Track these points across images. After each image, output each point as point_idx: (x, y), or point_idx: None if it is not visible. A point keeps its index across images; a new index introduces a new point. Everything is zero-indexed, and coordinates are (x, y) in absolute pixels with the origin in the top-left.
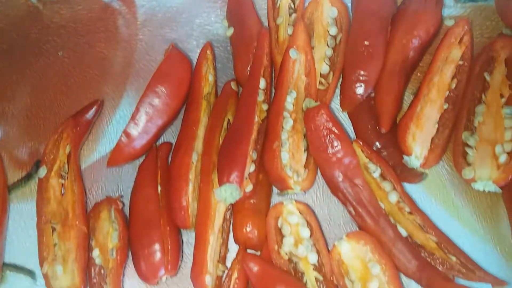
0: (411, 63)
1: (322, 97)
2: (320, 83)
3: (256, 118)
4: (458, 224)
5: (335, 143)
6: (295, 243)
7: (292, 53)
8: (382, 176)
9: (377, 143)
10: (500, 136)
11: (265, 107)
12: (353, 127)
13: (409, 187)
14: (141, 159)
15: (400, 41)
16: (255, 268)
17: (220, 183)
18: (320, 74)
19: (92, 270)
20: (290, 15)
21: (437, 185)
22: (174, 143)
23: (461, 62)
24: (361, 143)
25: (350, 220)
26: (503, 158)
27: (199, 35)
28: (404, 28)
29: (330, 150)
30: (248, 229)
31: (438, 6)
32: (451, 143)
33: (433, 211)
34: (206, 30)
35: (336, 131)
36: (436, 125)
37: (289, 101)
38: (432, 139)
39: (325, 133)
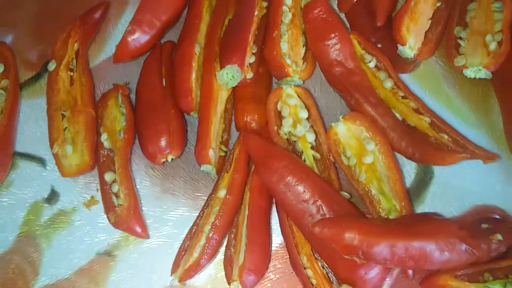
0: None
1: None
2: None
3: (257, 12)
4: (451, 114)
5: (332, 33)
6: (294, 123)
7: None
8: (377, 66)
9: (373, 39)
10: (490, 27)
11: (265, 4)
12: (349, 26)
13: (404, 81)
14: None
15: None
16: (255, 144)
17: (222, 66)
18: None
19: (101, 152)
20: None
21: (430, 79)
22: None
23: None
24: (358, 35)
25: (347, 111)
26: (493, 46)
27: None
28: None
29: (327, 40)
30: (249, 115)
31: None
32: (444, 38)
33: (427, 103)
34: None
35: (333, 21)
36: (430, 21)
37: None
38: (426, 33)
39: (322, 24)
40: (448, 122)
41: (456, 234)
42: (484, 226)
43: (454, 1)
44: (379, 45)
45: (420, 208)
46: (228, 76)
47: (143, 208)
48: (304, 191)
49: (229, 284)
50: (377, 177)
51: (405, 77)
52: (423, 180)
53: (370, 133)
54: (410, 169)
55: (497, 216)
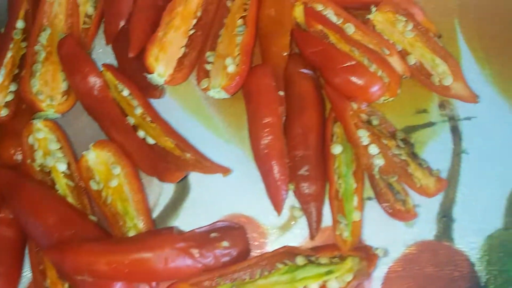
0: None
1: (87, 34)
2: (85, 22)
3: (10, 53)
4: (210, 132)
5: (82, 67)
6: (44, 155)
7: None
8: (132, 94)
9: (134, 67)
10: (231, 51)
11: (24, 44)
12: (115, 56)
13: (167, 105)
14: None
15: None
16: (4, 176)
17: None
18: (86, 14)
19: None
20: None
21: (192, 100)
22: None
23: None
24: (108, 67)
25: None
26: (231, 68)
27: None
28: None
29: (79, 74)
30: (11, 149)
31: None
32: (197, 63)
33: (189, 124)
34: None
35: (81, 56)
36: (184, 49)
37: (43, 36)
38: (180, 60)
39: (73, 59)
40: (208, 139)
41: (179, 246)
42: (213, 235)
43: (209, 27)
44: (137, 74)
45: (176, 223)
46: None
47: None
48: (47, 219)
49: None
50: (122, 198)
51: (168, 100)
52: (179, 197)
53: (116, 157)
54: (169, 186)
55: (225, 224)
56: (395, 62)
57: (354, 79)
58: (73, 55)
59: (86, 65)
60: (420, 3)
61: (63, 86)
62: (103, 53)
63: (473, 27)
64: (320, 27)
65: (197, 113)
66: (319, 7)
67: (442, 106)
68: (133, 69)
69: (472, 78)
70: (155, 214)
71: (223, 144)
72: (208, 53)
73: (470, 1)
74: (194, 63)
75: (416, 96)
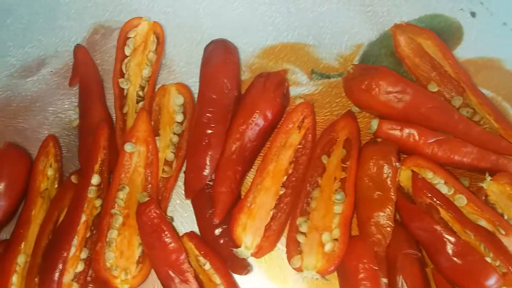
0: (251, 150)
1: (166, 185)
2: (164, 171)
3: (84, 217)
4: None
5: (163, 240)
6: None
7: (127, 147)
8: (213, 269)
9: (216, 231)
10: (328, 223)
11: (98, 203)
12: (195, 214)
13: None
14: None
15: (237, 128)
16: None
17: None
18: (166, 161)
19: None
20: (138, 102)
21: (276, 270)
22: None
23: (300, 146)
24: (191, 237)
25: None
26: (328, 247)
27: (52, 124)
28: (241, 115)
29: (157, 247)
30: None
31: (277, 90)
32: (287, 229)
33: None
34: (58, 118)
35: (163, 227)
36: (272, 212)
37: (121, 197)
38: (268, 225)
39: (153, 230)
40: None
41: None
42: None
43: (300, 183)
44: (221, 240)
45: None
46: None
47: None
48: None
49: None
50: None
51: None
52: None
53: None
54: None
55: None
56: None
57: (466, 268)
58: (154, 224)
59: (168, 235)
60: None
61: (137, 252)
62: (180, 205)
63: None
64: (429, 201)
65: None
66: (429, 175)
67: None
68: (214, 235)
69: None
70: None
71: None
72: (299, 219)
73: None
74: (282, 228)
75: None
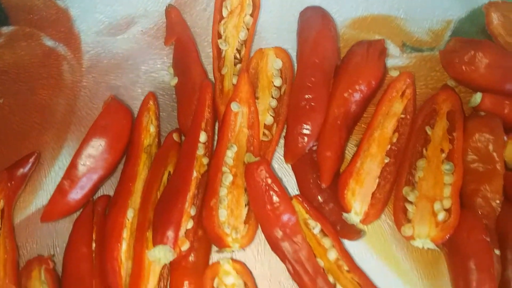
0: (353, 116)
1: (266, 149)
2: (264, 134)
3: (195, 174)
4: (399, 279)
5: (274, 200)
6: None
7: (234, 106)
8: (323, 232)
9: (319, 197)
10: (439, 193)
11: (205, 161)
12: (296, 179)
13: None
14: (78, 212)
15: (341, 94)
16: None
17: (154, 243)
18: (264, 125)
19: None
20: (235, 65)
21: (378, 239)
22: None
23: (403, 116)
24: (301, 199)
25: (290, 277)
26: (441, 216)
27: (145, 83)
28: (346, 81)
29: (269, 207)
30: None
31: (380, 58)
32: (392, 198)
33: (373, 266)
34: (151, 77)
35: (275, 187)
36: (377, 180)
37: (229, 155)
38: (373, 193)
39: (264, 190)
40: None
41: None
42: None
43: (403, 155)
44: (326, 207)
45: None
46: (160, 254)
47: None
48: None
49: None
50: None
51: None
52: None
53: None
54: None
55: None
56: None
57: None
58: (266, 183)
59: (280, 198)
60: None
61: (244, 212)
62: (279, 170)
63: None
64: None
65: (384, 255)
66: None
67: None
68: (318, 201)
69: None
70: None
71: None
72: (405, 189)
73: None
74: (387, 197)
75: None
